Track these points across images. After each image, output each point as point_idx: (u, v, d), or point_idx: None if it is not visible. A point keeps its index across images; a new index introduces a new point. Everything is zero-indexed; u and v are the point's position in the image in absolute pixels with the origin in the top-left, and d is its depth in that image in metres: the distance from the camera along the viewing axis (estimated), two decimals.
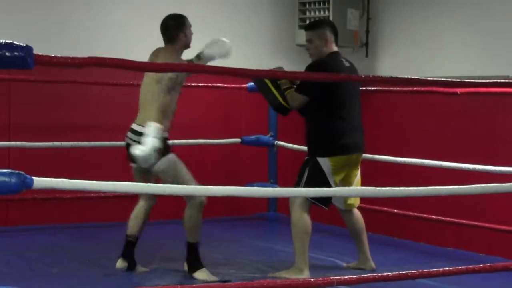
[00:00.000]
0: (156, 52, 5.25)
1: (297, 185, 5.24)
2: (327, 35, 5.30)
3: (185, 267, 5.20)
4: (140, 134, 5.04)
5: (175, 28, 5.20)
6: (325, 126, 5.22)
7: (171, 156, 5.09)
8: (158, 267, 5.44)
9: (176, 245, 6.16)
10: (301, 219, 5.18)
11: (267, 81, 5.30)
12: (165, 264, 5.56)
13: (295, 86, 5.27)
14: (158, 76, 5.05)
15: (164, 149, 5.04)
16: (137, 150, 4.88)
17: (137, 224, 5.33)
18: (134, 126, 5.15)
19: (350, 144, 5.22)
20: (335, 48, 5.33)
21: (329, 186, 5.11)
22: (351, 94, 5.27)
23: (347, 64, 5.34)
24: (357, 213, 5.51)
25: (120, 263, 5.28)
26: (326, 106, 5.18)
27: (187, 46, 5.25)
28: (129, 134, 5.15)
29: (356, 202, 5.50)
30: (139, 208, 5.36)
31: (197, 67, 4.52)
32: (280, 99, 5.27)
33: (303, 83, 5.21)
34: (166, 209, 7.29)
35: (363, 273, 5.10)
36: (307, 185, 5.13)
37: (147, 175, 5.15)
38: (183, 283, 4.96)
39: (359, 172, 5.40)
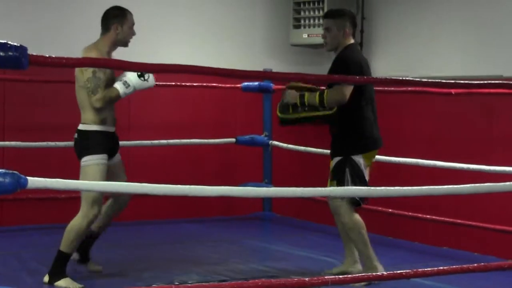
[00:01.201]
0: (86, 48, 4.97)
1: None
2: (347, 26, 5.14)
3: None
4: (81, 133, 4.98)
5: (111, 17, 4.94)
6: (357, 121, 5.08)
7: (88, 158, 4.92)
8: (153, 267, 5.43)
9: (170, 245, 6.18)
10: (355, 220, 5.08)
11: (294, 116, 5.10)
12: (160, 264, 5.56)
13: (318, 88, 5.12)
14: (78, 80, 4.92)
15: (89, 146, 4.92)
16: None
17: (103, 221, 5.19)
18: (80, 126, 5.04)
19: (377, 138, 5.19)
20: (352, 41, 5.19)
21: (367, 182, 5.08)
22: (372, 89, 5.20)
23: (365, 57, 5.31)
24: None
25: (74, 255, 5.15)
26: (357, 100, 5.04)
27: (121, 42, 4.98)
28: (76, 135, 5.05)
29: None
30: (107, 208, 5.20)
31: (204, 69, 4.47)
32: (318, 113, 5.06)
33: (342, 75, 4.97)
34: (161, 209, 7.30)
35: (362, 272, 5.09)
36: (353, 185, 5.02)
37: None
38: (176, 283, 4.95)
39: None
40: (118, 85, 4.87)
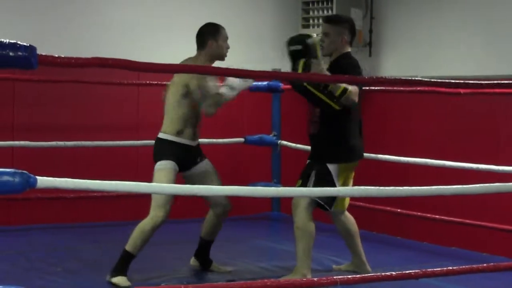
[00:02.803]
0: (185, 62, 5.16)
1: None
2: (345, 34, 5.15)
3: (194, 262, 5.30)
4: (158, 141, 5.11)
5: (207, 34, 5.15)
6: (338, 130, 5.04)
7: (162, 163, 5.05)
8: (161, 266, 5.44)
9: (178, 245, 6.19)
10: (307, 222, 5.06)
11: (308, 86, 5.01)
12: (168, 263, 5.57)
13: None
14: (179, 89, 5.04)
15: (162, 153, 5.06)
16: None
17: (206, 229, 5.35)
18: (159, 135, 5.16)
19: (358, 150, 5.14)
20: (349, 49, 5.19)
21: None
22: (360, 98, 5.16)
23: None
24: (349, 214, 5.43)
25: (193, 261, 5.39)
26: (347, 109, 5.00)
27: (218, 56, 5.16)
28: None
29: (347, 203, 5.44)
30: (208, 215, 5.36)
31: (204, 68, 4.49)
32: (328, 100, 4.95)
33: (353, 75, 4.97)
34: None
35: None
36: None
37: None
38: (187, 283, 4.96)
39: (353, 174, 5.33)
40: (224, 90, 5.05)
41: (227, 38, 5.18)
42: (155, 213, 4.96)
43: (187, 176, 5.19)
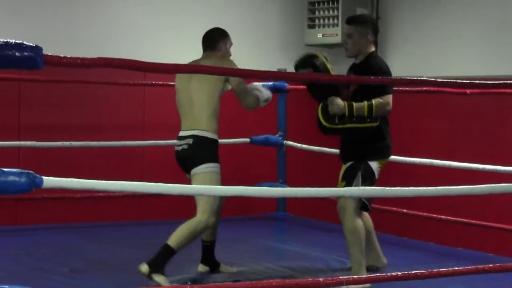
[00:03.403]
0: (197, 61, 5.16)
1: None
2: (369, 34, 5.12)
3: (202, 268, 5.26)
4: (185, 138, 5.08)
5: (218, 36, 5.22)
6: (377, 129, 5.03)
7: (209, 165, 5.02)
8: (168, 266, 5.44)
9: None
10: (358, 224, 5.02)
11: (339, 126, 4.99)
12: (175, 263, 5.57)
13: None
14: (212, 85, 5.07)
15: (210, 154, 5.05)
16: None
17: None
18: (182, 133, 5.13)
19: (390, 146, 5.18)
20: (373, 48, 5.18)
21: None
22: None
23: None
24: (364, 213, 5.47)
25: (201, 268, 5.31)
26: None
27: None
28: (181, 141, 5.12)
29: None
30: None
31: (211, 68, 4.49)
32: (363, 125, 4.94)
33: (381, 84, 4.94)
34: (176, 209, 7.31)
35: (372, 273, 5.08)
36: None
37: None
38: (192, 283, 4.96)
39: None
40: (258, 93, 5.33)
41: (232, 44, 5.29)
42: (207, 218, 4.93)
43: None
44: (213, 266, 5.32)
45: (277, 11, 8.00)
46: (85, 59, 3.18)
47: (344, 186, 5.02)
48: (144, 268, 4.83)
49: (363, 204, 5.05)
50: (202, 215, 4.94)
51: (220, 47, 5.20)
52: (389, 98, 4.94)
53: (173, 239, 4.88)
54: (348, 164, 5.11)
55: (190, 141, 5.05)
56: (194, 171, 5.01)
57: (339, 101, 4.92)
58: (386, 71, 5.05)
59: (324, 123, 5.02)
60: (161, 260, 4.85)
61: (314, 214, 7.58)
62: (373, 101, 4.87)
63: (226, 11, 7.68)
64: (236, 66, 5.05)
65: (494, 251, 6.06)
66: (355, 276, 4.01)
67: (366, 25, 5.15)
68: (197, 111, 5.09)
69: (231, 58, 5.23)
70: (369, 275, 4.53)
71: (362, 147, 5.09)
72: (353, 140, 5.11)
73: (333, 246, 6.26)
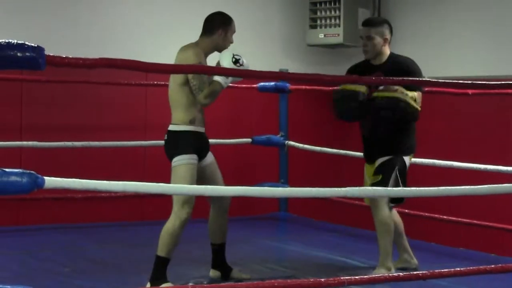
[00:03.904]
0: (183, 48, 5.01)
1: (381, 184, 5.09)
2: (387, 34, 5.27)
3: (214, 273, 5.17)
4: (171, 133, 4.94)
5: (218, 22, 5.00)
6: (408, 123, 5.24)
7: (179, 158, 4.85)
8: (168, 266, 5.44)
9: (185, 245, 6.19)
10: (390, 217, 5.19)
11: (407, 100, 5.12)
12: (175, 263, 5.57)
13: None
14: (176, 79, 4.92)
15: (180, 147, 4.86)
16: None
17: (212, 231, 5.23)
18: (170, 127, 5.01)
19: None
20: (389, 48, 5.32)
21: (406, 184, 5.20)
22: None
23: None
24: (395, 213, 5.52)
25: (212, 273, 5.22)
26: None
27: (220, 48, 5.00)
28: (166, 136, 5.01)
29: None
30: (210, 216, 5.22)
31: (212, 69, 4.47)
32: (417, 105, 5.16)
33: (414, 83, 5.07)
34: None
35: (376, 274, 5.07)
36: (396, 184, 5.12)
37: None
38: (194, 283, 4.96)
39: None
40: (218, 78, 4.81)
41: (234, 32, 5.07)
42: (179, 212, 4.81)
43: (201, 168, 4.99)
44: (225, 271, 5.19)
45: (278, 11, 8.00)
46: (87, 60, 3.19)
47: (381, 180, 5.12)
48: (148, 285, 4.78)
49: (396, 198, 5.19)
50: (173, 213, 4.84)
51: (218, 34, 4.96)
52: (420, 94, 5.17)
53: (160, 249, 4.82)
54: (385, 158, 5.21)
55: (166, 137, 5.00)
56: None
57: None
58: (419, 69, 5.23)
59: (383, 94, 5.09)
60: (159, 271, 4.81)
61: (316, 214, 7.58)
62: (412, 94, 5.10)
63: (227, 11, 7.62)
64: (194, 58, 4.82)
65: (496, 252, 6.06)
66: (357, 277, 4.00)
67: (384, 26, 5.30)
68: (171, 105, 5.01)
69: (232, 46, 5.03)
70: (370, 276, 4.52)
71: (397, 142, 5.23)
72: (392, 138, 5.21)
73: (335, 246, 6.27)
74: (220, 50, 5.01)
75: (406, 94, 5.07)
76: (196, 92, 4.82)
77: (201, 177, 4.98)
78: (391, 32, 5.33)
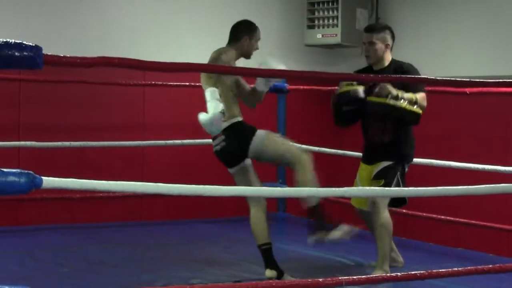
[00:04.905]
0: (220, 50, 5.15)
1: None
2: (389, 40, 5.32)
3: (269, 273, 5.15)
4: (231, 127, 5.10)
5: (244, 29, 5.19)
6: (409, 132, 5.31)
7: (260, 132, 5.07)
8: (167, 267, 5.45)
9: (185, 246, 6.19)
10: (389, 219, 5.22)
11: (392, 103, 5.12)
12: (174, 264, 5.57)
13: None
14: (230, 80, 5.11)
15: (248, 131, 5.07)
16: (201, 115, 4.85)
17: (260, 231, 5.27)
18: None
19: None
20: (391, 54, 5.37)
21: None
22: None
23: None
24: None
25: (269, 273, 5.20)
26: None
27: (247, 54, 5.21)
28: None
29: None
30: (252, 217, 5.28)
31: (214, 67, 4.49)
32: (413, 109, 5.14)
33: (416, 82, 5.13)
34: (176, 209, 7.31)
35: (373, 273, 5.08)
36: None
37: (245, 171, 5.14)
38: (192, 283, 4.96)
39: None
40: (260, 87, 5.28)
41: (259, 39, 5.26)
42: (258, 202, 5.10)
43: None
44: (279, 272, 5.17)
45: (276, 11, 8.00)
46: (84, 59, 3.18)
47: (383, 185, 5.19)
48: (268, 272, 5.02)
49: (397, 200, 5.31)
50: (251, 205, 5.11)
51: (244, 41, 5.15)
52: (423, 95, 5.17)
53: (256, 239, 5.12)
54: (387, 163, 5.25)
55: (223, 136, 5.12)
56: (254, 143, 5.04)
57: (386, 85, 5.11)
58: (419, 74, 5.25)
59: (375, 99, 5.12)
60: (267, 259, 5.10)
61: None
62: (415, 95, 5.12)
63: (225, 11, 7.68)
64: (225, 61, 4.99)
65: (494, 252, 6.06)
66: (354, 277, 4.00)
67: (385, 32, 5.35)
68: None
69: (257, 52, 5.24)
70: (368, 276, 4.52)
71: (401, 149, 5.30)
72: (394, 145, 5.27)
73: (333, 247, 6.25)
74: (246, 56, 5.25)
75: (401, 99, 5.06)
76: (244, 98, 5.26)
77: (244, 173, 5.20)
78: (393, 37, 5.37)
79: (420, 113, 5.16)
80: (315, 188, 4.98)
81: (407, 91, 5.11)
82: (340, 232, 4.98)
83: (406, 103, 5.08)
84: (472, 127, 6.34)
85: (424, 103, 5.19)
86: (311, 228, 5.01)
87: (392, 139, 5.27)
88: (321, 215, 5.01)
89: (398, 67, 5.28)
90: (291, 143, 5.10)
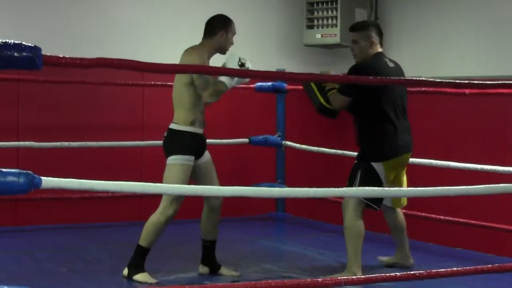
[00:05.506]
0: (187, 50, 5.10)
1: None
2: (373, 37, 5.28)
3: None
4: (171, 132, 5.04)
5: (219, 24, 5.11)
6: (375, 129, 5.19)
7: (172, 158, 4.99)
8: (166, 267, 5.45)
9: (185, 245, 6.19)
10: (355, 222, 5.15)
11: (312, 84, 5.24)
12: (173, 264, 5.57)
13: (337, 87, 5.21)
14: (181, 78, 5.00)
15: (172, 147, 5.00)
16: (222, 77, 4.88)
17: (204, 228, 5.29)
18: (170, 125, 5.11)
19: (400, 145, 5.23)
20: (379, 49, 5.32)
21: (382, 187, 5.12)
22: (396, 95, 5.24)
23: (391, 65, 5.32)
24: (400, 211, 5.57)
25: (201, 269, 5.28)
26: (374, 109, 5.16)
27: (222, 49, 5.14)
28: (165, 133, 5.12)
29: (404, 201, 5.51)
30: (203, 213, 5.30)
31: (208, 69, 4.48)
32: (322, 100, 5.21)
33: (344, 84, 5.15)
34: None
35: (373, 273, 5.08)
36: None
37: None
38: (191, 283, 4.96)
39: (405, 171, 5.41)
40: (223, 78, 4.96)
41: (235, 33, 5.18)
42: (166, 208, 4.99)
43: (197, 166, 5.09)
44: (213, 267, 5.28)
45: (275, 12, 8.00)
46: (83, 59, 3.18)
47: (348, 184, 5.17)
48: (125, 271, 5.03)
49: (367, 204, 5.17)
50: (160, 208, 5.03)
51: (220, 36, 5.08)
52: (336, 96, 5.17)
53: (142, 238, 5.03)
54: (355, 162, 5.26)
55: (165, 134, 5.12)
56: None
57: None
58: (364, 71, 5.02)
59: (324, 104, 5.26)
60: (138, 260, 5.02)
61: (313, 214, 7.58)
62: (332, 92, 5.20)
63: (225, 11, 7.63)
64: (198, 60, 4.92)
65: (493, 252, 6.06)
66: (353, 277, 4.01)
67: (368, 29, 5.31)
68: (174, 105, 5.13)
69: (235, 48, 5.15)
70: (367, 276, 4.53)
71: (363, 148, 5.26)
72: (359, 142, 5.28)
73: (332, 247, 6.26)
74: (221, 52, 5.15)
75: (323, 89, 5.20)
76: (201, 91, 4.93)
77: (196, 175, 5.12)
78: (379, 34, 5.32)
79: (327, 107, 5.21)
80: (313, 189, 4.97)
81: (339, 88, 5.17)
82: (143, 277, 4.99)
83: (322, 93, 5.19)
84: (472, 128, 6.34)
85: (335, 104, 5.18)
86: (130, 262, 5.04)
87: (361, 138, 5.26)
88: (140, 256, 5.03)
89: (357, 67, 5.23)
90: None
